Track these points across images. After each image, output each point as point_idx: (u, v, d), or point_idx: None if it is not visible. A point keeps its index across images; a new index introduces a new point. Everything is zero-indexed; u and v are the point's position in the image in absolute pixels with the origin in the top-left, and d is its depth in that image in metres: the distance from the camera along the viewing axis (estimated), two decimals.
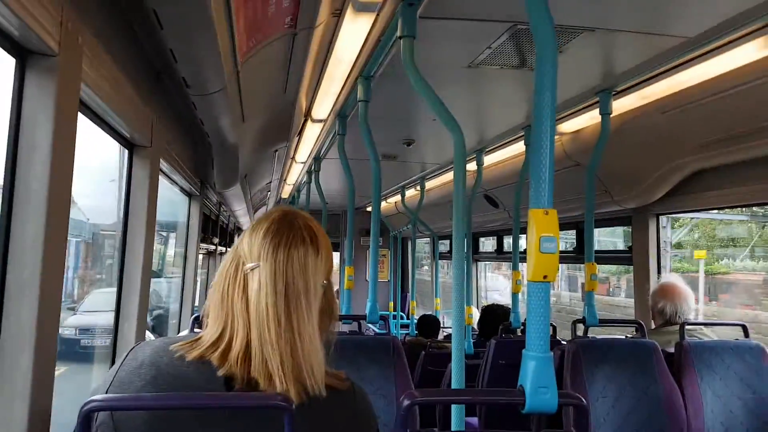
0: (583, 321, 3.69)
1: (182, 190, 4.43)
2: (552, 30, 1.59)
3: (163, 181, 3.24)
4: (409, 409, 1.37)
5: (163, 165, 3.17)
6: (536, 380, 1.51)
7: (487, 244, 8.89)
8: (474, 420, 4.37)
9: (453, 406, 2.23)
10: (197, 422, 1.31)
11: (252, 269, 1.40)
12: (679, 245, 10.82)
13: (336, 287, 10.93)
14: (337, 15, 2.70)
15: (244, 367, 1.34)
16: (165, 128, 3.06)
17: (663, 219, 4.70)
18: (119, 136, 2.57)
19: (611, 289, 14.55)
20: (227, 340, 1.37)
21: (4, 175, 1.53)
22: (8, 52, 1.52)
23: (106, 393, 1.35)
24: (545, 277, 1.58)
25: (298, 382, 1.35)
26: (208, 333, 1.41)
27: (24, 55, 1.54)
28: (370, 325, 6.58)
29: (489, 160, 5.46)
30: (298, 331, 1.38)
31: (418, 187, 7.43)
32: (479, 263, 9.20)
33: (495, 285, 12.09)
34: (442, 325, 7.24)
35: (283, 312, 1.37)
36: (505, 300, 7.72)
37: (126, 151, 2.77)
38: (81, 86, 1.74)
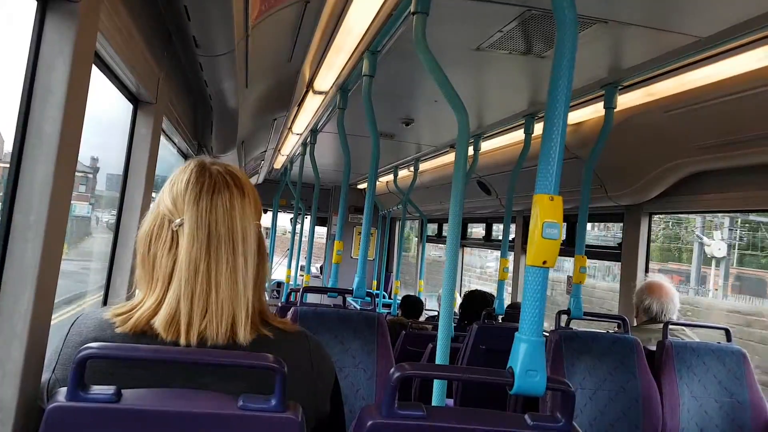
0: (567, 312, 3.72)
1: (179, 150, 4.41)
2: (574, 13, 1.60)
3: (161, 140, 3.22)
4: (399, 382, 1.38)
5: (164, 123, 3.16)
6: (526, 363, 1.52)
7: (471, 231, 8.93)
8: (448, 401, 4.41)
9: (435, 383, 2.26)
10: (155, 378, 1.33)
11: (179, 225, 1.37)
12: None
13: (321, 262, 10.92)
14: None
15: (175, 329, 1.33)
16: (170, 87, 3.04)
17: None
18: (126, 90, 2.56)
19: None
20: (156, 304, 1.36)
21: (17, 118, 1.52)
22: None
23: (53, 371, 1.36)
24: (545, 262, 1.59)
25: (225, 330, 1.35)
26: (138, 299, 1.40)
27: None
28: (352, 300, 6.62)
29: (485, 146, 5.47)
30: (228, 279, 1.36)
31: (412, 168, 7.41)
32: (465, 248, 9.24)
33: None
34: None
35: (203, 261, 1.35)
36: None
37: None
38: (97, 35, 1.73)
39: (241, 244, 1.38)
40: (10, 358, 1.46)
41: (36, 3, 1.53)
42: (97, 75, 2.21)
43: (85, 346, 1.23)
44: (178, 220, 1.38)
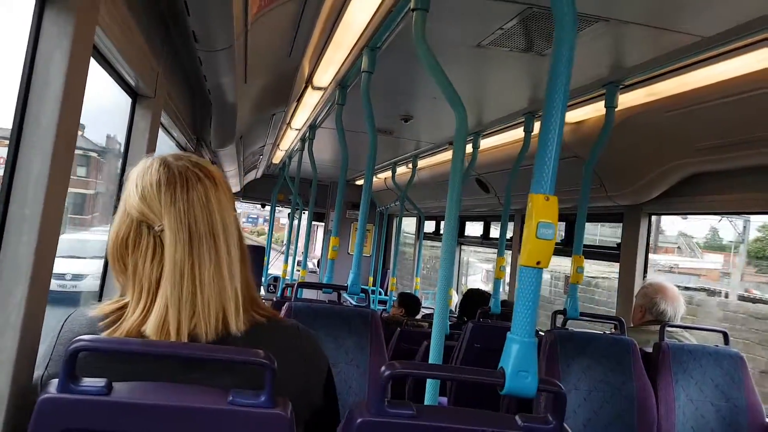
0: (563, 312, 3.72)
1: (178, 144, 4.41)
2: (574, 13, 1.59)
3: (160, 134, 3.22)
4: (389, 380, 1.38)
5: (163, 118, 3.16)
6: (518, 364, 1.52)
7: (470, 230, 8.89)
8: (443, 400, 4.42)
9: (428, 382, 2.25)
10: (147, 374, 1.32)
11: (161, 230, 1.35)
12: None
13: (317, 258, 10.94)
14: None
15: (165, 334, 1.32)
16: (169, 81, 3.04)
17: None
18: (124, 84, 2.56)
19: None
20: (144, 312, 1.35)
21: (15, 111, 1.53)
22: None
23: (46, 368, 1.36)
24: (538, 263, 1.58)
25: (215, 326, 1.34)
26: (125, 301, 1.40)
27: None
28: (347, 297, 6.61)
29: (484, 144, 5.46)
30: (213, 275, 1.35)
31: (410, 165, 7.41)
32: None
33: None
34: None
35: (188, 263, 1.33)
36: None
37: None
38: (96, 29, 1.73)
39: (222, 236, 1.37)
40: (3, 348, 1.47)
41: None
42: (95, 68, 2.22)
43: (77, 338, 1.24)
44: (158, 225, 1.36)
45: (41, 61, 1.53)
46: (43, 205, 1.52)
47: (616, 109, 3.52)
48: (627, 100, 3.60)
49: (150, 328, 1.32)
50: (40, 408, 1.21)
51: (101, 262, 2.85)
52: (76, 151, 1.70)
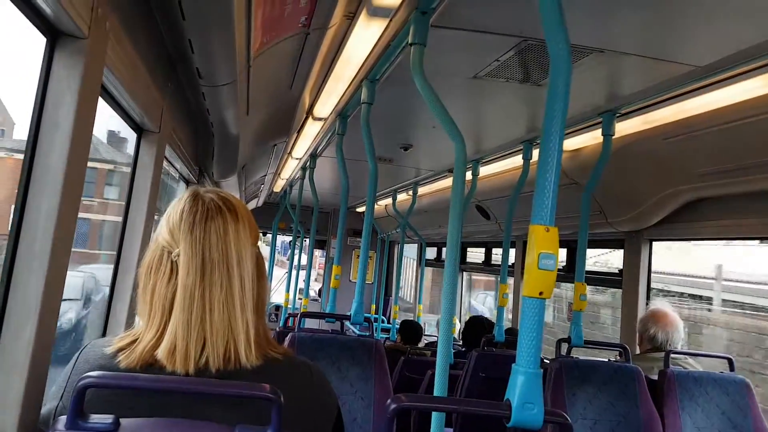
0: (568, 340, 3.72)
1: (181, 176, 4.44)
2: (568, 45, 1.61)
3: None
4: (395, 414, 1.38)
5: (167, 150, 3.19)
6: (524, 395, 1.52)
7: (472, 256, 8.88)
8: (449, 431, 4.39)
9: (434, 414, 2.24)
10: (155, 410, 1.32)
11: (178, 255, 1.38)
12: None
13: (320, 285, 10.85)
14: (351, 17, 2.73)
15: (175, 359, 1.34)
16: (173, 116, 3.07)
17: None
18: (130, 120, 2.59)
19: None
20: (158, 335, 1.36)
21: (25, 151, 1.55)
22: (41, 32, 1.54)
23: (61, 399, 1.36)
24: (541, 293, 1.59)
25: (226, 355, 1.35)
26: (139, 330, 1.41)
27: (55, 36, 1.56)
28: (351, 326, 6.59)
29: (484, 171, 5.50)
30: (223, 303, 1.36)
31: (410, 192, 7.44)
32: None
33: None
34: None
35: (198, 288, 1.35)
36: None
37: None
38: (104, 69, 1.77)
39: (236, 268, 1.39)
40: (11, 388, 1.47)
41: (45, 40, 1.56)
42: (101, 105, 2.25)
43: (85, 375, 1.23)
44: (176, 251, 1.39)
45: (51, 103, 1.56)
46: (52, 243, 1.53)
47: (613, 137, 3.54)
48: (624, 127, 3.63)
49: (162, 351, 1.34)
50: None
51: None
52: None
